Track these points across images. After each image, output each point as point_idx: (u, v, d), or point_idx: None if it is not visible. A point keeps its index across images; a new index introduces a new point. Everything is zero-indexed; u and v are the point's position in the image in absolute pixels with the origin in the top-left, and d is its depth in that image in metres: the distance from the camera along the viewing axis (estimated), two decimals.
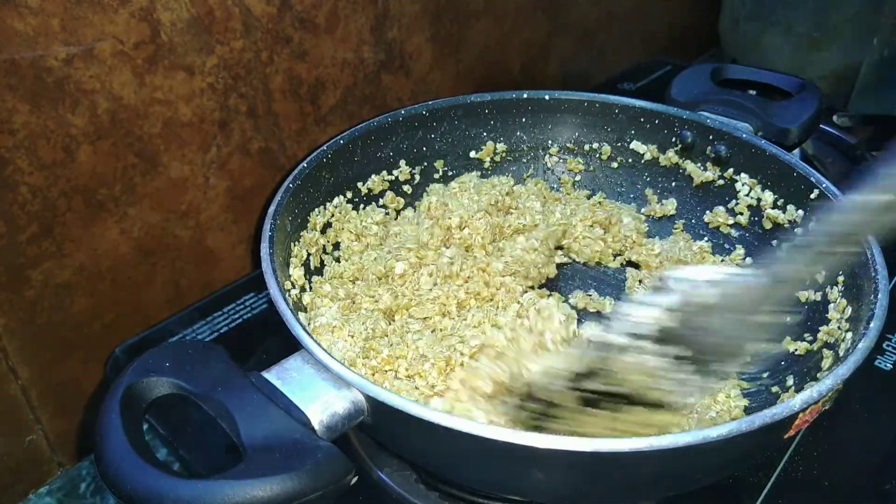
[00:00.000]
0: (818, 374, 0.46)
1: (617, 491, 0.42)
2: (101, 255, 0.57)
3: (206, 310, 0.63)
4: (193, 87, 0.57)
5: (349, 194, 0.60)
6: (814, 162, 0.75)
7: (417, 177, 0.65)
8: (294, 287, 0.51)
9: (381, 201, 0.63)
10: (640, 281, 0.61)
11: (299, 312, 0.49)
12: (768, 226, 0.59)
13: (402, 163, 0.64)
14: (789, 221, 0.57)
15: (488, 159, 0.68)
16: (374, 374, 0.47)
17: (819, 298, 0.52)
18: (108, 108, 0.53)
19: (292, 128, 0.66)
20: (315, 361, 0.39)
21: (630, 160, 0.67)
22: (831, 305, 0.50)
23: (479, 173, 0.67)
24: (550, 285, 0.61)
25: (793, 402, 0.36)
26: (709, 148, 0.63)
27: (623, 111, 0.66)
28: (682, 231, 0.64)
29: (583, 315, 0.58)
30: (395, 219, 0.63)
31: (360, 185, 0.61)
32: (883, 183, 0.33)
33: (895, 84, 0.93)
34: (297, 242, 0.54)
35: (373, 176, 0.62)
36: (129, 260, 0.59)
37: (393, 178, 0.64)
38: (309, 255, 0.55)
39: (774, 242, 0.58)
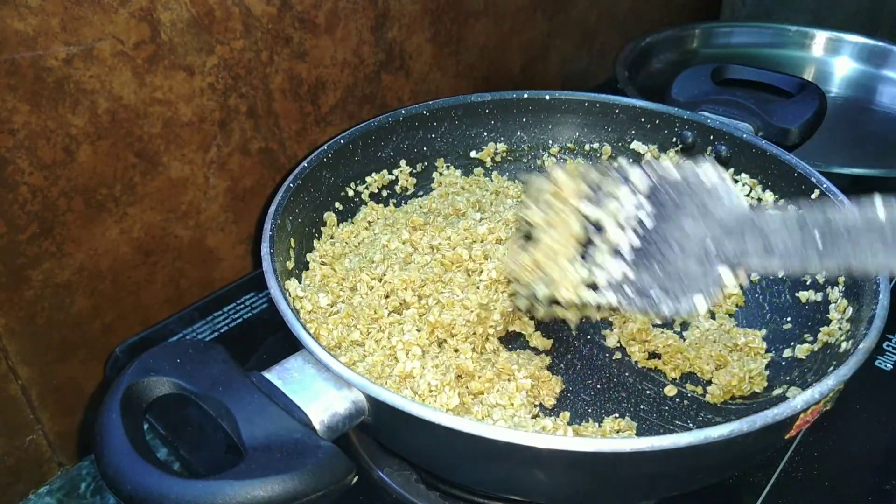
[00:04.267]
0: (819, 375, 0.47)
1: (617, 491, 0.42)
2: (101, 254, 0.57)
3: (206, 309, 0.63)
4: (193, 86, 0.57)
5: (350, 193, 0.60)
6: None
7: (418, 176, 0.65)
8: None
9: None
10: None
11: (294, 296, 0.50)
12: None
13: (403, 162, 0.64)
14: None
15: (489, 159, 0.68)
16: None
17: (819, 299, 0.52)
18: (108, 108, 0.53)
19: (292, 128, 0.66)
20: (316, 361, 0.39)
21: (631, 160, 0.67)
22: (832, 306, 0.50)
23: (461, 171, 0.67)
24: None
25: (794, 402, 0.36)
26: (709, 148, 0.63)
27: (624, 111, 0.66)
28: None
29: None
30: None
31: (360, 184, 0.61)
32: None
33: None
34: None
35: (373, 175, 0.62)
36: (129, 260, 0.59)
37: (393, 177, 0.64)
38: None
39: None
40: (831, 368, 0.41)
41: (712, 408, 0.50)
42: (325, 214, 0.58)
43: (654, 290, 0.41)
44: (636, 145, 0.66)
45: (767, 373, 0.51)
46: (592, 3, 0.96)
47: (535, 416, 0.48)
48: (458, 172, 0.67)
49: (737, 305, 0.56)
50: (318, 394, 0.38)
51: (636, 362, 0.53)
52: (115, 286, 0.59)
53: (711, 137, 0.62)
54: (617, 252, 0.43)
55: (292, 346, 0.41)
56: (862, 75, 0.95)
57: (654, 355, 0.53)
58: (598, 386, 0.52)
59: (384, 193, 0.63)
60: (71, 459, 0.62)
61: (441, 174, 0.66)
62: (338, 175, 0.59)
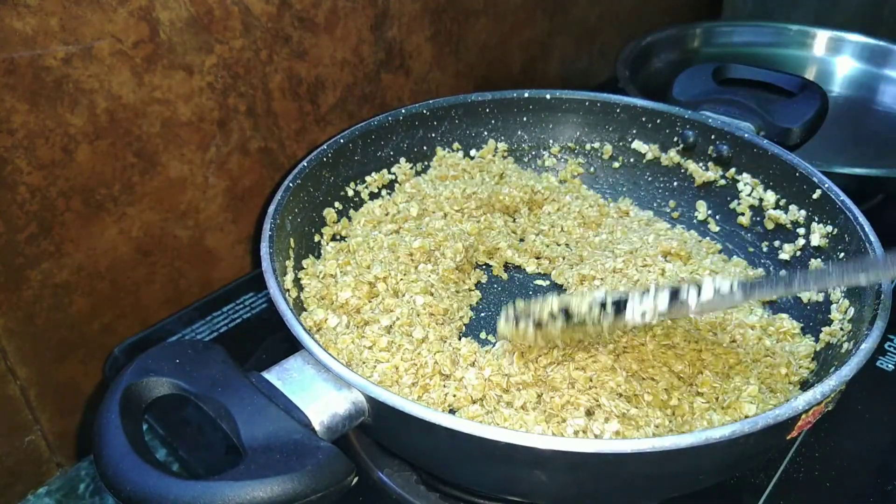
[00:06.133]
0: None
1: (619, 492, 0.42)
2: (100, 254, 0.57)
3: (206, 309, 0.63)
4: (192, 86, 0.57)
5: (349, 192, 0.60)
6: None
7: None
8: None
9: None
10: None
11: (302, 313, 0.49)
12: (770, 226, 0.59)
13: (403, 161, 0.64)
14: (791, 222, 0.57)
15: (489, 158, 0.67)
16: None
17: (821, 299, 0.52)
18: (106, 108, 0.53)
19: (292, 127, 0.66)
20: (315, 362, 0.39)
21: (632, 160, 0.67)
22: (833, 306, 0.50)
23: (463, 154, 0.67)
24: None
25: (796, 402, 0.36)
26: (711, 148, 0.62)
27: (625, 110, 0.66)
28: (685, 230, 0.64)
29: None
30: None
31: (360, 184, 0.61)
32: None
33: None
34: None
35: (373, 174, 0.62)
36: (128, 260, 0.59)
37: (393, 176, 0.63)
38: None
39: (776, 244, 0.58)
40: (833, 369, 0.41)
41: None
42: (325, 211, 0.58)
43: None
44: (637, 145, 0.66)
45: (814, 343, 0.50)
46: (593, 2, 0.96)
47: None
48: (461, 154, 0.66)
49: None
50: (317, 394, 0.38)
51: None
52: (114, 286, 0.59)
53: (713, 137, 0.62)
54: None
55: (292, 346, 0.41)
56: (863, 75, 0.95)
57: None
58: None
59: (384, 193, 0.63)
60: (70, 460, 0.62)
61: (442, 156, 0.65)
62: (337, 174, 0.59)
